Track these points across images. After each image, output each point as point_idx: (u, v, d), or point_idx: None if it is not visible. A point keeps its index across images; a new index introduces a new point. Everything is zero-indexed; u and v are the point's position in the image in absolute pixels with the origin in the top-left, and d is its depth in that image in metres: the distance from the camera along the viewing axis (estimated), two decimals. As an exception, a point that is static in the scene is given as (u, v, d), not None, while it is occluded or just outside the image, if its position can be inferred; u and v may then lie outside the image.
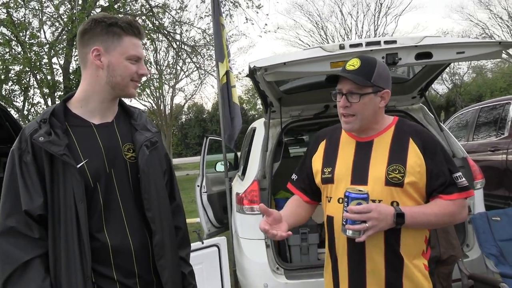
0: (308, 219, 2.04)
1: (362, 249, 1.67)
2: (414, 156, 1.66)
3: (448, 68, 3.74)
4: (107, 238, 1.49)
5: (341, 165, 1.76)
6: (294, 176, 2.01)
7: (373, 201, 1.63)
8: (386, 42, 2.84)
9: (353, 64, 1.69)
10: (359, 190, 1.58)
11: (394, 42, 2.85)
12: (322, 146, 1.89)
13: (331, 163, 1.80)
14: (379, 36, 28.90)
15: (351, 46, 2.87)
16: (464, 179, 1.69)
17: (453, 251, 3.02)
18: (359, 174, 1.70)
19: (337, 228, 1.70)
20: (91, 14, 12.33)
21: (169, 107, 30.64)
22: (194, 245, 2.91)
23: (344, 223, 1.59)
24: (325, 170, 1.80)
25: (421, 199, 1.70)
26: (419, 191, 1.68)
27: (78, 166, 1.46)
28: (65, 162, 1.44)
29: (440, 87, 33.74)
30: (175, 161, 32.62)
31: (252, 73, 2.93)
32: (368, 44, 2.86)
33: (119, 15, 13.84)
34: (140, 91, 15.60)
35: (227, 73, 4.62)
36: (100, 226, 1.50)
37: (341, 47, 2.87)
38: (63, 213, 1.44)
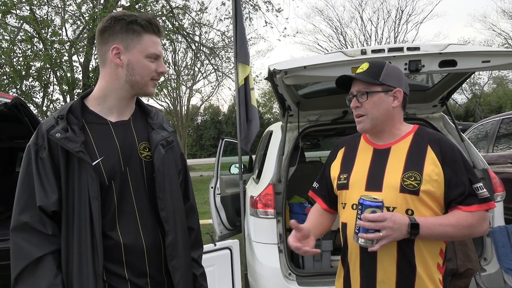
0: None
1: (374, 258, 1.62)
2: (432, 164, 1.62)
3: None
4: (120, 237, 1.48)
5: (357, 172, 1.74)
6: (315, 184, 2.00)
7: (387, 208, 1.58)
8: (409, 49, 2.78)
9: (362, 67, 1.74)
10: (374, 198, 1.53)
11: (417, 48, 2.79)
12: (341, 154, 1.88)
13: (347, 170, 1.78)
14: (399, 43, 28.70)
15: (373, 51, 2.82)
16: (485, 190, 1.63)
17: (470, 264, 2.95)
18: (374, 180, 1.67)
19: (350, 235, 1.66)
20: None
21: (185, 108, 30.90)
22: (206, 247, 2.90)
23: (357, 231, 1.54)
24: (341, 177, 1.78)
25: (439, 209, 1.64)
26: (436, 200, 1.62)
27: (94, 163, 1.45)
28: (80, 159, 1.43)
29: (459, 97, 33.35)
30: (190, 162, 32.78)
31: (272, 76, 2.90)
32: (390, 50, 2.80)
33: (140, 15, 13.99)
34: (157, 91, 15.72)
35: (247, 76, 4.62)
36: (113, 225, 1.49)
37: (363, 52, 2.82)
38: (77, 210, 1.43)
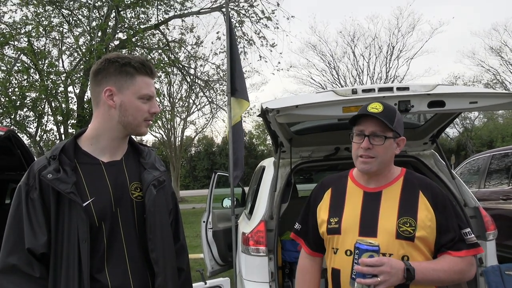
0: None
1: None
2: (425, 210, 1.63)
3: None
4: (108, 279, 1.46)
5: (348, 216, 1.71)
6: (297, 226, 1.95)
7: (384, 254, 1.58)
8: (398, 89, 2.84)
9: (376, 107, 1.67)
10: (370, 242, 1.53)
11: (407, 89, 2.85)
12: (328, 195, 1.84)
13: (337, 213, 1.74)
14: (390, 78, 29.14)
15: (364, 91, 2.87)
16: (473, 235, 1.65)
17: (464, 304, 2.92)
18: (368, 225, 1.65)
19: (344, 282, 1.63)
20: (110, 46, 12.66)
21: (179, 139, 30.90)
22: (196, 285, 2.85)
23: (354, 277, 1.52)
24: (331, 221, 1.74)
25: (430, 254, 1.65)
26: (429, 246, 1.64)
27: (84, 204, 1.45)
28: (71, 200, 1.43)
29: (451, 131, 33.74)
30: (182, 193, 32.49)
31: (264, 113, 2.94)
32: (380, 90, 2.86)
33: (137, 48, 14.24)
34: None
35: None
36: (101, 266, 1.47)
37: (354, 91, 2.87)
38: (65, 252, 1.42)
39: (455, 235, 1.61)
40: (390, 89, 2.87)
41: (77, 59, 14.16)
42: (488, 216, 3.56)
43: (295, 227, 1.96)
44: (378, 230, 1.63)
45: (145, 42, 14.78)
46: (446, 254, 1.62)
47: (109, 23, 13.29)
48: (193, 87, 18.84)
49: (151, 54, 14.96)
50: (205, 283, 3.06)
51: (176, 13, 15.01)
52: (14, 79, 12.83)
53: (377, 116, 1.63)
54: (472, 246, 1.62)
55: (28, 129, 13.93)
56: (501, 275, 3.18)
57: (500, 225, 4.33)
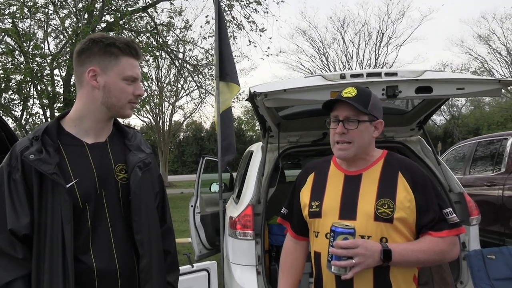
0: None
1: (350, 286, 1.60)
2: (404, 191, 1.62)
3: (446, 99, 3.74)
4: (93, 261, 1.46)
5: (329, 199, 1.71)
6: (284, 210, 1.96)
7: (362, 237, 1.58)
8: (386, 74, 2.84)
9: (350, 92, 1.67)
10: (346, 225, 1.53)
11: (395, 74, 2.85)
12: (310, 179, 1.84)
13: (319, 197, 1.74)
14: (379, 65, 29.21)
15: (352, 76, 2.87)
16: (454, 215, 1.64)
17: (446, 287, 2.97)
18: (348, 208, 1.65)
19: (325, 264, 1.63)
20: (96, 28, 12.46)
21: (167, 124, 30.73)
22: (183, 269, 2.85)
23: (330, 259, 1.53)
24: (312, 204, 1.75)
25: (411, 235, 1.65)
26: (409, 227, 1.63)
27: (68, 186, 1.43)
28: (54, 182, 1.41)
29: (438, 118, 34.03)
30: (170, 178, 32.42)
31: (252, 97, 2.92)
32: (369, 75, 2.86)
33: (124, 31, 14.03)
34: (139, 106, 15.64)
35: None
36: (86, 248, 1.46)
37: (342, 76, 2.87)
38: (49, 233, 1.40)
39: (435, 215, 1.61)
40: (378, 74, 2.87)
41: (63, 42, 13.95)
42: (472, 201, 3.61)
43: (282, 211, 1.97)
44: (357, 213, 1.63)
45: (133, 25, 14.60)
46: (427, 234, 1.61)
47: (96, 5, 13.07)
48: (182, 72, 18.73)
49: (139, 38, 14.77)
50: (192, 267, 3.06)
51: (164, -4, 14.81)
52: (-2, 61, 12.61)
53: (348, 101, 1.64)
54: (453, 226, 1.62)
55: (13, 112, 13.75)
56: (483, 259, 3.26)
57: (484, 210, 4.40)
